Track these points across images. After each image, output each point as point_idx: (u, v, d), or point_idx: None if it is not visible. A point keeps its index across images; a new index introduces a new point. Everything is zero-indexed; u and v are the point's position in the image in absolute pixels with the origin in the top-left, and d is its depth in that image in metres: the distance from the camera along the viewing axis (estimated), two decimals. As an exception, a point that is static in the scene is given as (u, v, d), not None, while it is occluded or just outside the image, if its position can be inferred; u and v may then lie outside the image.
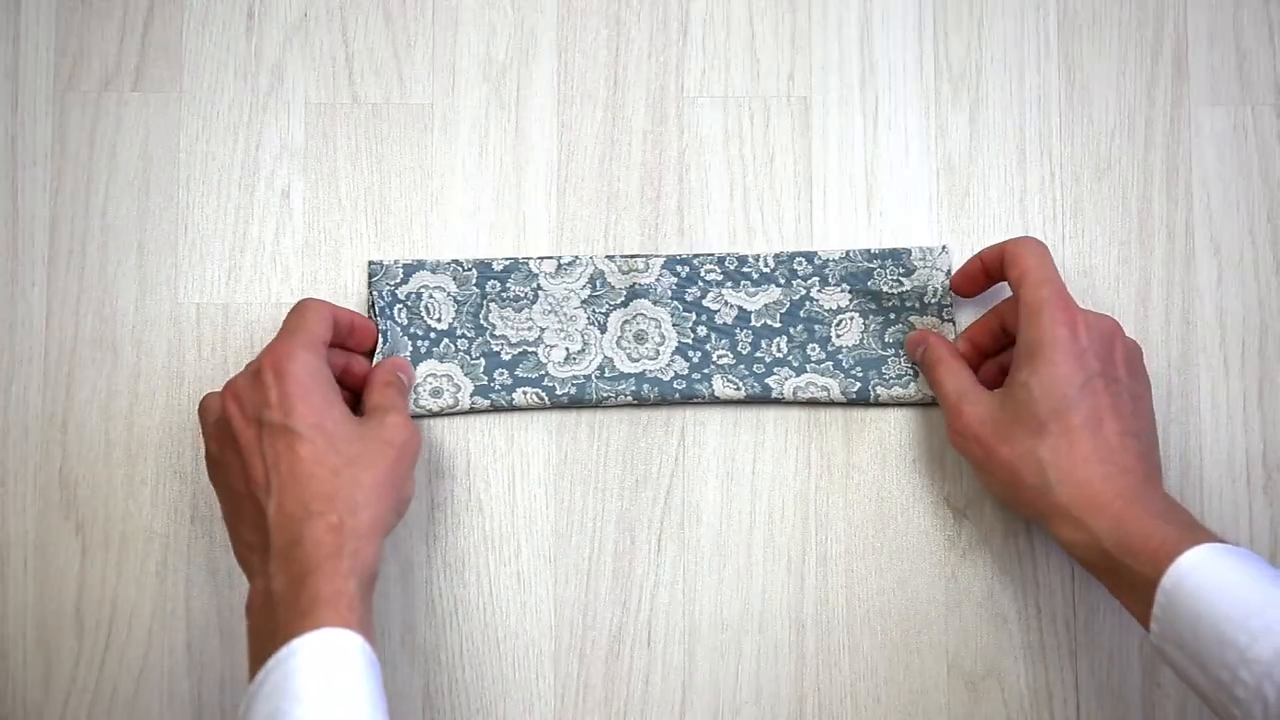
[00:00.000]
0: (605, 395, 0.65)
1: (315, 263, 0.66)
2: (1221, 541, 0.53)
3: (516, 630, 0.64)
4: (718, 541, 0.65)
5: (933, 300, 0.65)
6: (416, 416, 0.65)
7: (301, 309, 0.61)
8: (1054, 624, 0.64)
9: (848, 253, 0.65)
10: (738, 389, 0.65)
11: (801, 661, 0.64)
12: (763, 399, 0.65)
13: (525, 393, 0.65)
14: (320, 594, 0.53)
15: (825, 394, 0.65)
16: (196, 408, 0.64)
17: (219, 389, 0.60)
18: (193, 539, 0.65)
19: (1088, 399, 0.57)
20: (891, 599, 0.64)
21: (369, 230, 0.66)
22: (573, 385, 0.65)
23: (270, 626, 0.53)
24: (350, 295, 0.66)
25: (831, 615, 0.64)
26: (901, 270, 0.65)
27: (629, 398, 0.65)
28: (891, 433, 0.65)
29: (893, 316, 0.65)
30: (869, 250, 0.65)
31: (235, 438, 0.57)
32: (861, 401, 0.65)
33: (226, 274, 0.66)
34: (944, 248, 0.65)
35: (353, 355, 0.64)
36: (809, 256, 0.65)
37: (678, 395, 0.65)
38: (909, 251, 0.65)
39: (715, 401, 0.65)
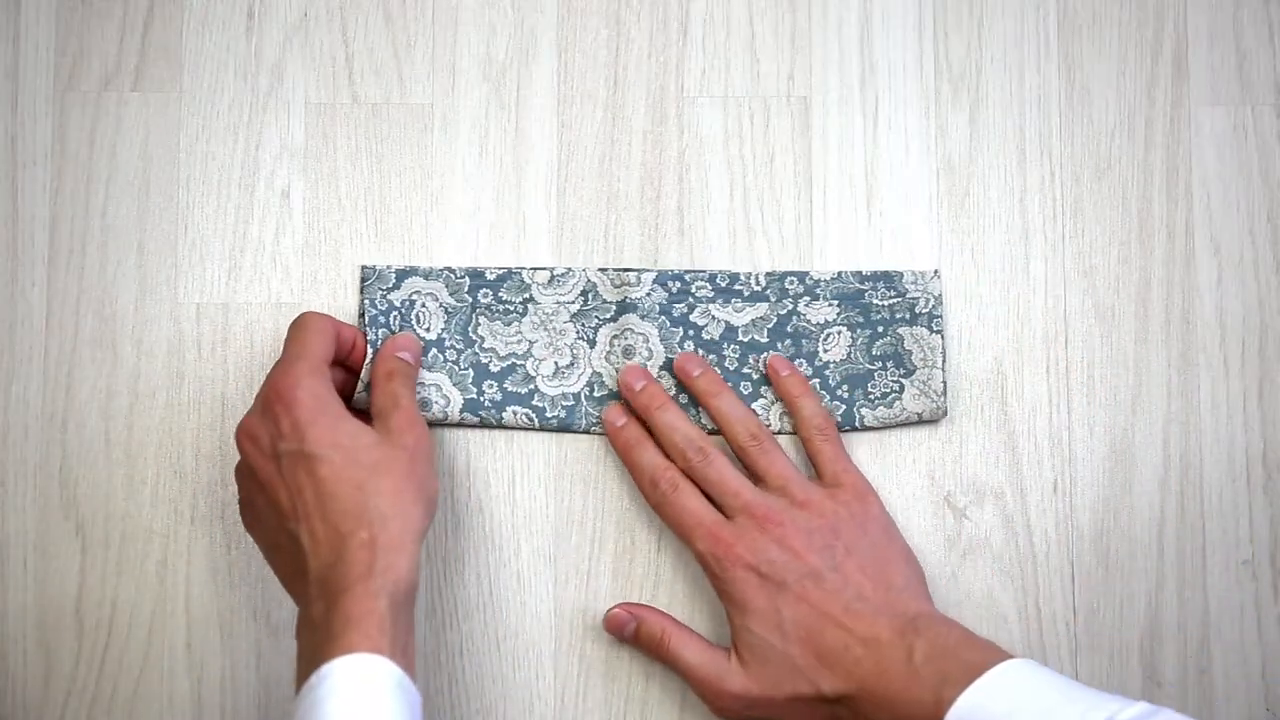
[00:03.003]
0: (594, 421, 0.65)
1: (315, 263, 0.66)
2: (975, 675, 0.54)
3: (516, 630, 0.64)
4: (718, 541, 0.65)
5: (923, 311, 0.64)
6: None
7: (302, 328, 0.60)
8: (1054, 624, 0.64)
9: (839, 273, 0.65)
10: None
11: (801, 661, 0.64)
12: None
13: (515, 412, 0.65)
14: (350, 616, 0.53)
15: None
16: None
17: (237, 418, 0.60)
18: (193, 539, 0.65)
19: (797, 610, 0.58)
20: (891, 599, 0.64)
21: (369, 230, 0.66)
22: (562, 407, 0.65)
23: (309, 652, 0.54)
24: (350, 295, 0.66)
25: (831, 615, 0.64)
26: (893, 293, 0.65)
27: None
28: (891, 433, 0.65)
29: (881, 329, 0.65)
30: (860, 272, 0.65)
31: (256, 474, 0.58)
32: (847, 427, 0.65)
33: (226, 274, 0.66)
34: (935, 272, 0.65)
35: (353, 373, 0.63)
36: (800, 276, 0.65)
37: None
38: (901, 275, 0.65)
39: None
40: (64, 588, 0.64)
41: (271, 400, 0.58)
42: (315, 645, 0.53)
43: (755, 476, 0.62)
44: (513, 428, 0.65)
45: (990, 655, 0.55)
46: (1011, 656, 0.55)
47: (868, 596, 0.59)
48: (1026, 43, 0.67)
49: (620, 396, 0.64)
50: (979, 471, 0.65)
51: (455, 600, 0.64)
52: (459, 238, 0.66)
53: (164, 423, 0.65)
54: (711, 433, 0.64)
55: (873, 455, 0.65)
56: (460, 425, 0.65)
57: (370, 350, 0.63)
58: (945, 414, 0.64)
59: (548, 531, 0.65)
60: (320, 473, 0.56)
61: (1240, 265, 0.66)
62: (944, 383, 0.64)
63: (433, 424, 0.64)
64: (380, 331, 0.64)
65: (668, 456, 0.63)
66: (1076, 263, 0.66)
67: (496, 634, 0.64)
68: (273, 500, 0.57)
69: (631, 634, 0.62)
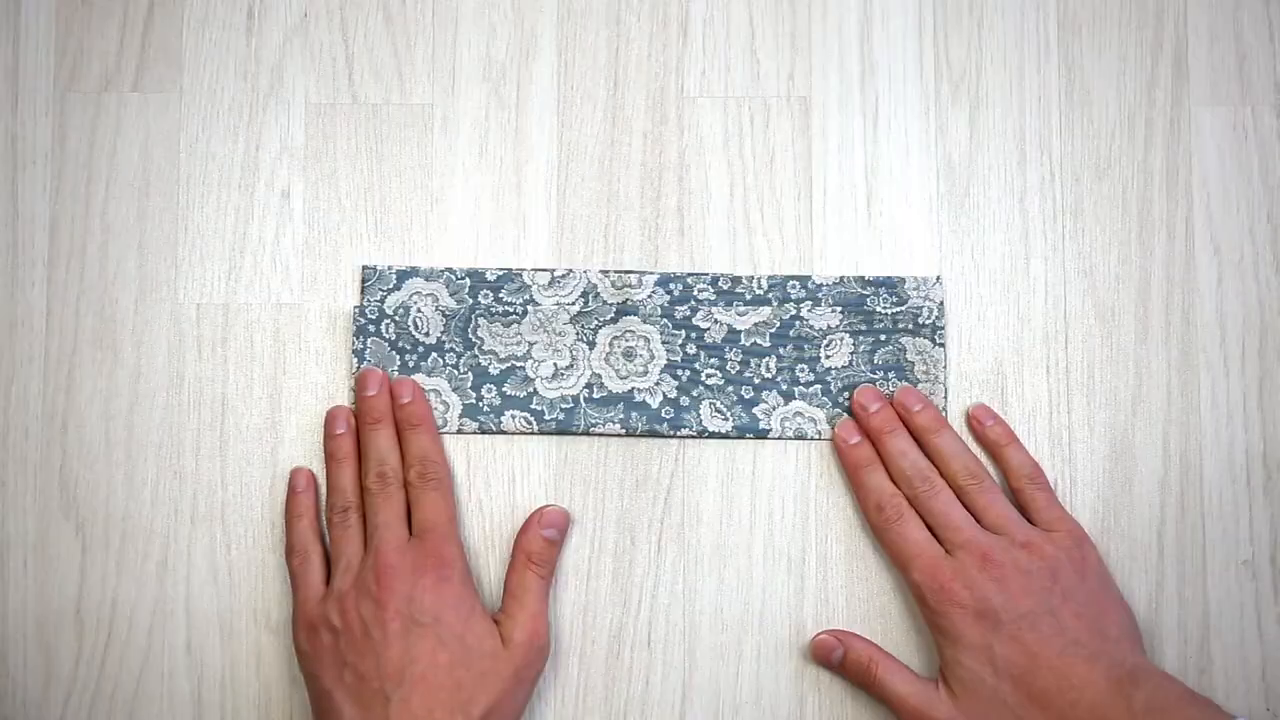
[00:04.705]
0: (593, 423, 0.65)
1: (315, 263, 0.66)
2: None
3: (516, 630, 0.64)
4: (718, 542, 0.65)
5: (926, 322, 0.65)
6: None
7: (448, 488, 0.63)
8: (1054, 624, 0.64)
9: (841, 278, 0.65)
10: (725, 419, 0.65)
11: (801, 661, 0.64)
12: (750, 432, 0.64)
13: (514, 416, 0.65)
14: None
15: (812, 425, 0.65)
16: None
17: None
18: (193, 539, 0.65)
19: (1010, 649, 0.58)
20: (891, 599, 0.64)
21: (369, 230, 0.66)
22: (561, 410, 0.65)
23: None
24: (350, 296, 0.66)
25: (831, 615, 0.64)
26: (895, 299, 0.65)
27: (617, 426, 0.64)
28: (891, 433, 0.65)
29: (883, 338, 0.65)
30: (863, 277, 0.65)
31: (384, 626, 0.58)
32: None
33: (226, 274, 0.66)
34: (938, 278, 0.65)
35: (410, 436, 0.64)
36: (803, 280, 0.65)
37: (666, 426, 0.65)
38: (903, 281, 0.65)
39: (704, 435, 0.65)
40: (64, 588, 0.64)
41: (427, 566, 0.60)
42: None
43: (973, 515, 0.62)
44: (511, 433, 0.65)
45: (1214, 714, 0.55)
46: (1235, 717, 0.55)
47: (1083, 642, 0.58)
48: (1026, 43, 0.67)
49: (856, 414, 0.64)
50: (979, 471, 0.65)
51: (455, 600, 0.64)
52: (459, 238, 0.66)
53: (164, 423, 0.65)
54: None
55: (874, 453, 0.65)
56: (459, 433, 0.65)
57: (355, 359, 0.64)
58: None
59: (548, 531, 0.65)
60: (439, 658, 0.58)
61: (1240, 265, 0.66)
62: (945, 397, 0.64)
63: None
64: (370, 341, 0.64)
65: (893, 482, 0.63)
66: (1076, 263, 0.66)
67: (496, 634, 0.64)
68: (381, 655, 0.58)
69: (838, 660, 0.62)
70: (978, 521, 0.62)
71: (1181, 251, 0.66)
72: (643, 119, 0.67)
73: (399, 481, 0.63)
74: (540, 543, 0.62)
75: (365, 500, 0.63)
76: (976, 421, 0.64)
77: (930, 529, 0.62)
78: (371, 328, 0.65)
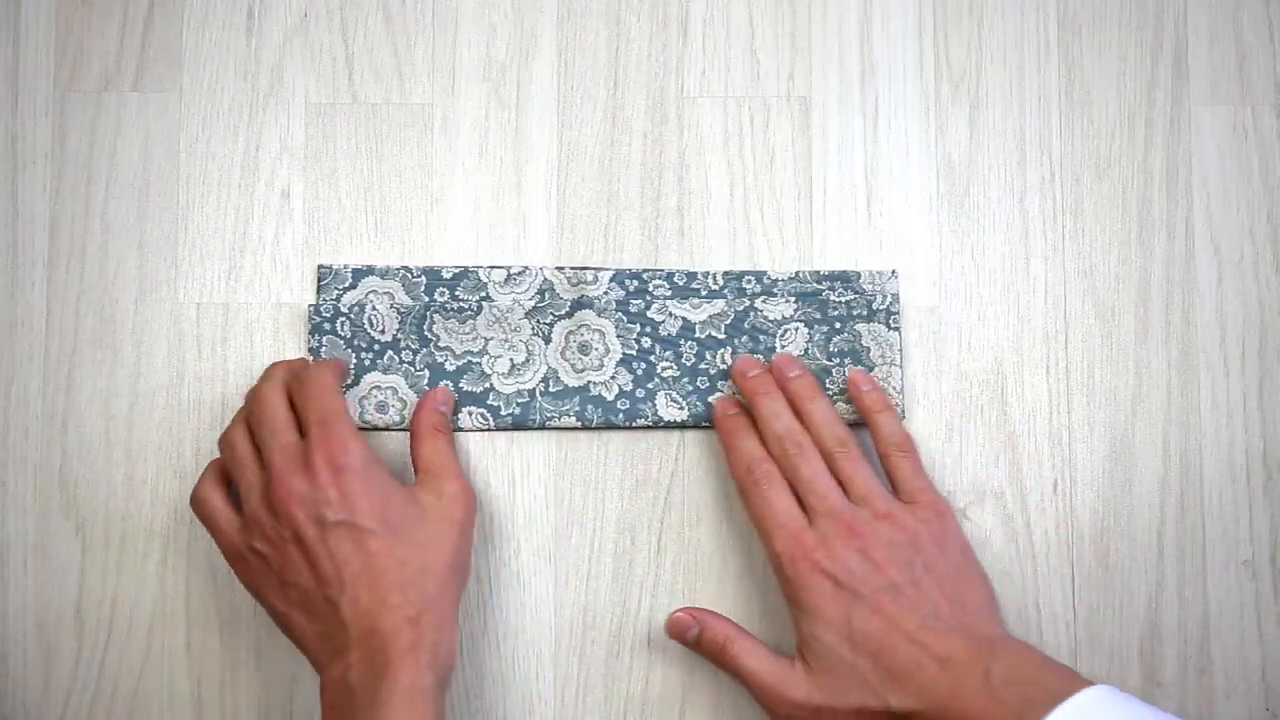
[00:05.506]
0: (549, 416, 0.64)
1: (315, 263, 0.66)
2: (1066, 694, 0.54)
3: (516, 630, 0.64)
4: (718, 541, 0.65)
5: (880, 307, 0.64)
6: (362, 429, 0.63)
7: (321, 386, 0.60)
8: (1054, 624, 0.64)
9: (797, 273, 0.65)
10: (681, 408, 0.65)
11: (801, 661, 0.64)
12: (705, 421, 0.64)
13: (470, 413, 0.65)
14: (398, 688, 0.54)
15: None
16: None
17: (203, 474, 0.61)
18: (193, 539, 0.65)
19: (869, 623, 0.58)
20: (891, 599, 0.64)
21: (369, 230, 0.66)
22: (517, 405, 0.65)
23: (350, 715, 0.55)
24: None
25: (831, 615, 0.64)
26: (852, 293, 0.65)
27: (573, 419, 0.64)
28: (891, 433, 0.65)
29: (838, 325, 0.65)
30: (818, 272, 0.65)
31: (300, 538, 0.57)
32: None
33: (226, 274, 0.66)
34: (893, 272, 0.65)
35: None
36: (758, 275, 0.65)
37: (621, 417, 0.65)
38: (859, 275, 0.65)
39: (660, 426, 0.65)
40: (64, 588, 0.64)
41: (319, 465, 0.58)
42: (355, 713, 0.55)
43: (840, 484, 0.62)
44: (467, 430, 0.65)
45: (1072, 683, 0.55)
46: (1092, 684, 0.55)
47: (943, 615, 0.58)
48: (1026, 43, 0.67)
49: (734, 379, 0.64)
50: (979, 471, 0.65)
51: (455, 600, 0.64)
52: (459, 238, 0.66)
53: (164, 423, 0.65)
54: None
55: (872, 452, 0.65)
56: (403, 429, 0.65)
57: (311, 356, 0.65)
58: (903, 415, 0.64)
59: (548, 531, 0.65)
60: (371, 547, 0.57)
61: (1240, 265, 0.66)
62: (901, 380, 0.64)
63: (390, 429, 0.65)
64: (325, 339, 0.64)
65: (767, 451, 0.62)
66: (1076, 263, 0.66)
67: (496, 634, 0.64)
68: (313, 565, 0.57)
69: (694, 639, 0.62)
70: (844, 491, 0.61)
71: (1181, 251, 0.66)
72: (643, 119, 0.67)
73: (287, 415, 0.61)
74: (438, 415, 0.63)
75: (254, 431, 0.61)
76: (853, 386, 0.64)
77: (797, 496, 0.61)
78: (327, 325, 0.65)
